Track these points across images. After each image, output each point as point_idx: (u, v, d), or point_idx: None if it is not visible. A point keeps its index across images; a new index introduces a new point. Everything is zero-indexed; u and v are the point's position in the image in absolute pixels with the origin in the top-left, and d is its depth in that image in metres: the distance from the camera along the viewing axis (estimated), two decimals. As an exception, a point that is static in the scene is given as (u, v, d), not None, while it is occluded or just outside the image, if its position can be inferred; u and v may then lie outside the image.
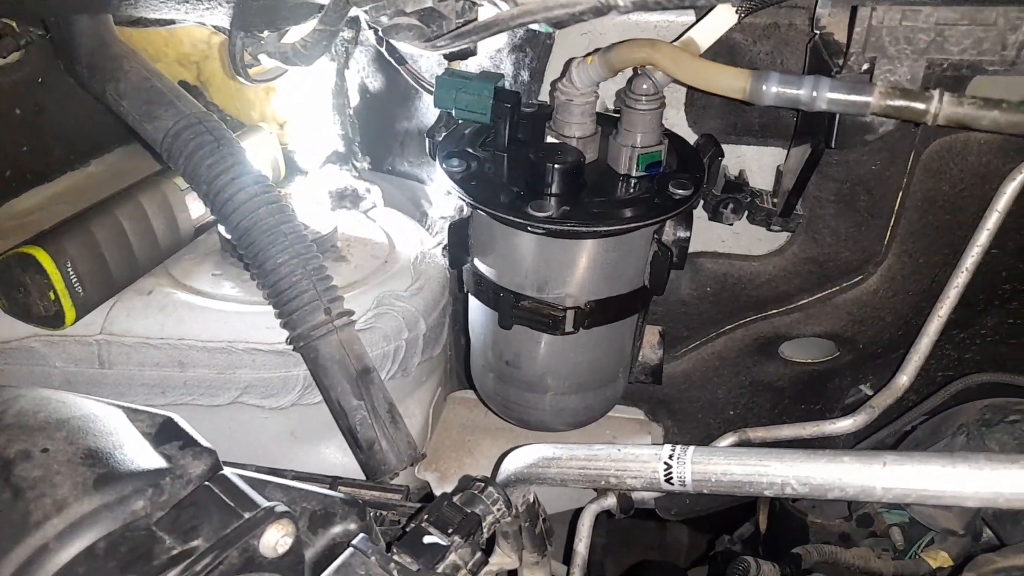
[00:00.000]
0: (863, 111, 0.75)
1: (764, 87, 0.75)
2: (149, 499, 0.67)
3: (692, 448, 0.83)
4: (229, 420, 1.19)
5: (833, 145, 0.89)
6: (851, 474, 0.73)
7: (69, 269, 1.08)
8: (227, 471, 0.72)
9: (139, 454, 0.70)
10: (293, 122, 1.53)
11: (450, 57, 1.00)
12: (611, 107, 1.14)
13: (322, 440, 1.22)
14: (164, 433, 0.74)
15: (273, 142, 1.50)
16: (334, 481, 0.94)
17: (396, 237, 1.37)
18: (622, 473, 0.86)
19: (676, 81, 0.85)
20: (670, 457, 0.83)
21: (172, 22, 1.27)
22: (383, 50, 1.08)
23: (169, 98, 1.07)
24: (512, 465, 0.92)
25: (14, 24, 1.28)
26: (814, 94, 0.75)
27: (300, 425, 1.22)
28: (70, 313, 1.09)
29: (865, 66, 0.84)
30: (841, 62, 0.86)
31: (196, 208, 1.29)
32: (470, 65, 1.12)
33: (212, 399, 1.18)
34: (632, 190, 0.98)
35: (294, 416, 1.20)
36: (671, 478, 0.82)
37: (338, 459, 1.21)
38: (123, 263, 1.17)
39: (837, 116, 0.86)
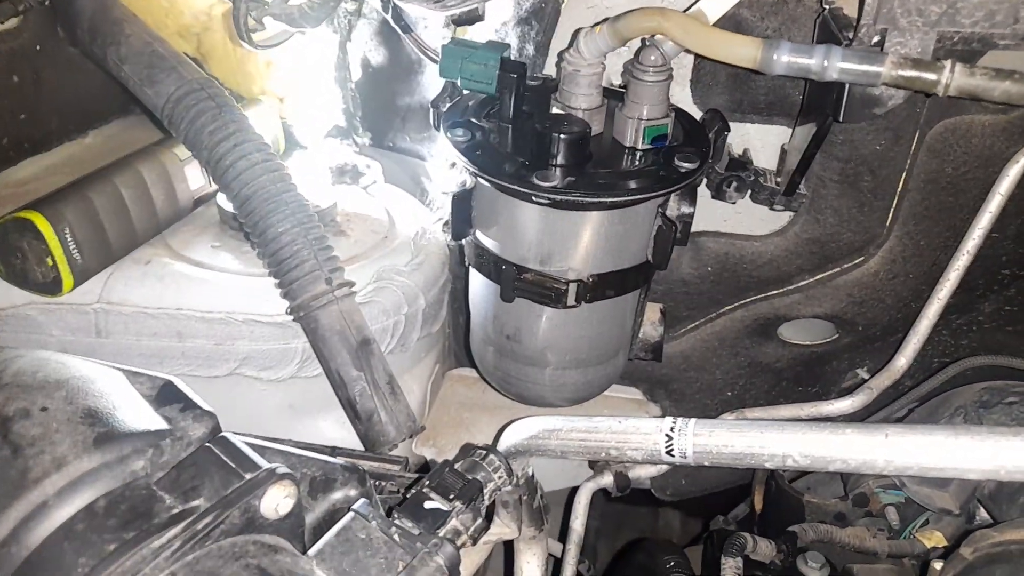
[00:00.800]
0: (874, 81, 0.75)
1: (775, 56, 0.75)
2: (149, 459, 0.66)
3: (694, 420, 0.82)
4: (227, 392, 1.18)
5: (841, 119, 0.88)
6: (853, 446, 0.73)
7: (67, 235, 1.07)
8: (227, 433, 0.71)
9: (139, 415, 0.69)
10: (293, 96, 1.52)
11: (458, 21, 0.99)
12: (617, 84, 1.13)
13: (320, 413, 1.21)
14: (164, 396, 0.74)
15: (273, 115, 1.48)
16: (333, 451, 0.94)
17: (396, 213, 1.36)
18: (623, 445, 0.86)
19: (686, 50, 0.85)
20: (671, 429, 0.83)
21: (174, -12, 1.25)
22: (388, 18, 1.06)
23: (171, 63, 1.06)
24: (513, 436, 0.91)
25: (7, -11, 1.27)
26: (825, 63, 0.75)
27: (299, 398, 1.21)
28: (68, 280, 1.08)
29: (876, 38, 0.83)
30: (851, 36, 0.85)
31: (195, 179, 1.28)
32: (476, 36, 1.11)
33: (210, 370, 1.17)
34: (638, 163, 0.97)
35: (293, 389, 1.20)
36: (672, 450, 0.82)
37: (336, 433, 1.21)
38: (121, 231, 1.16)
39: (847, 88, 0.85)
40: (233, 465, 0.66)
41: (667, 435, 0.83)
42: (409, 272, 1.24)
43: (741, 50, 0.76)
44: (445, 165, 1.32)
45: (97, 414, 0.68)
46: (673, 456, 0.82)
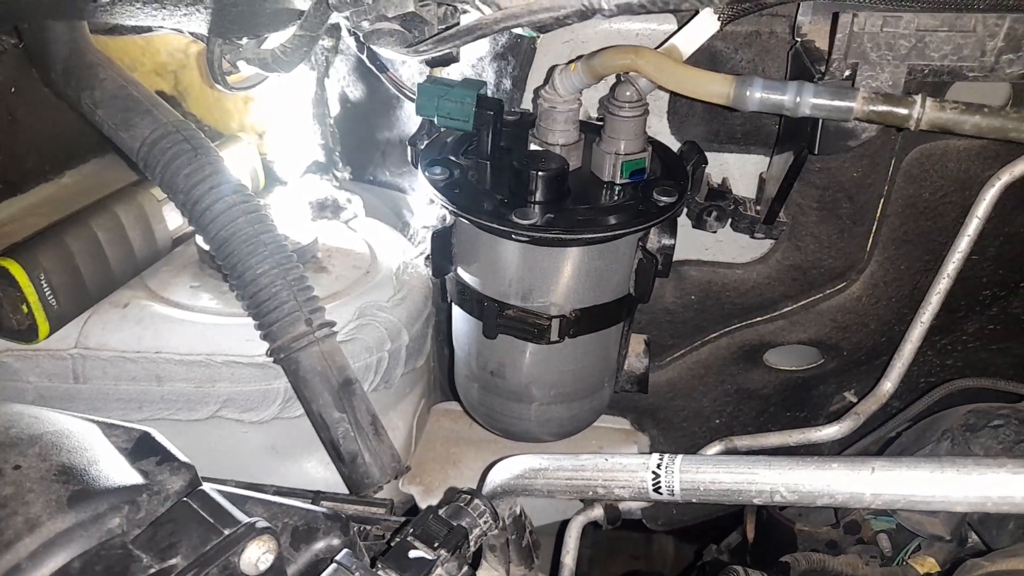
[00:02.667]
0: (846, 116, 0.75)
1: (748, 92, 0.75)
2: (125, 516, 0.65)
3: (680, 457, 0.82)
4: (208, 435, 1.17)
5: (816, 151, 0.89)
6: (839, 481, 0.73)
7: (43, 281, 1.06)
8: (206, 487, 0.70)
9: (115, 470, 0.68)
10: (272, 132, 1.52)
11: (432, 63, 1.00)
12: (594, 116, 1.14)
13: (304, 454, 1.20)
14: (141, 448, 0.72)
15: (252, 152, 1.48)
16: (316, 496, 0.92)
17: (377, 247, 1.36)
18: (610, 483, 0.85)
19: (660, 87, 0.85)
20: (658, 466, 0.82)
21: (149, 29, 1.25)
22: (364, 57, 1.07)
23: (146, 106, 1.05)
24: (498, 477, 0.90)
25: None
26: (798, 99, 0.75)
27: (281, 439, 1.20)
28: (43, 327, 1.07)
29: (847, 72, 0.84)
30: (823, 68, 0.86)
31: (173, 219, 1.27)
32: (452, 73, 1.11)
33: (190, 413, 1.16)
34: (616, 197, 0.97)
35: (275, 430, 1.18)
36: (659, 487, 0.82)
37: (320, 473, 1.19)
38: (98, 275, 1.15)
39: (820, 122, 0.86)
40: (211, 520, 0.65)
41: (654, 472, 0.82)
42: (391, 307, 1.24)
43: (714, 87, 0.76)
44: (425, 200, 1.32)
45: (71, 471, 0.66)
46: (660, 493, 0.81)
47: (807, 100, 0.75)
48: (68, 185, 1.49)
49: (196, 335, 1.15)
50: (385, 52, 0.92)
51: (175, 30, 1.18)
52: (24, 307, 1.03)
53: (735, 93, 0.75)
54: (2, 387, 1.12)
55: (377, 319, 1.21)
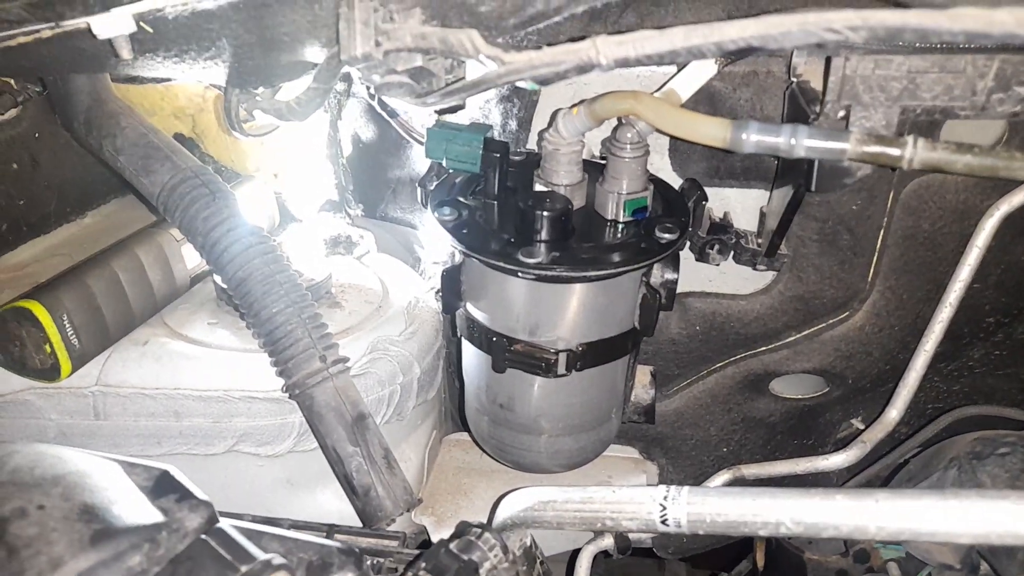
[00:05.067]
0: (840, 157, 0.78)
1: (744, 136, 0.78)
2: (146, 554, 0.67)
3: (686, 489, 0.83)
4: (225, 469, 1.19)
5: (813, 189, 0.91)
6: (844, 512, 0.74)
7: (65, 322, 1.08)
8: (223, 523, 0.72)
9: (135, 508, 0.70)
10: (287, 171, 1.55)
11: (440, 112, 1.03)
12: (597, 153, 1.17)
13: (318, 487, 1.21)
14: (161, 486, 0.75)
15: (267, 191, 1.52)
16: (330, 529, 0.94)
17: (389, 282, 1.38)
18: (618, 515, 0.86)
19: (658, 131, 0.88)
20: (664, 498, 0.83)
21: (169, 79, 1.30)
22: (375, 104, 1.10)
23: (165, 152, 1.09)
24: (508, 509, 0.92)
25: (12, 82, 1.31)
26: (792, 141, 0.78)
27: (296, 472, 1.21)
28: (66, 366, 1.09)
29: (841, 113, 0.86)
30: (818, 109, 0.89)
31: (192, 258, 1.30)
32: (460, 116, 1.14)
33: (208, 448, 1.18)
34: (620, 235, 0.99)
35: (290, 463, 1.20)
36: (666, 519, 0.83)
37: (335, 505, 1.21)
38: (119, 315, 1.17)
39: (816, 161, 0.88)
40: (229, 557, 0.67)
41: (661, 504, 0.83)
42: (403, 341, 1.26)
43: (711, 131, 0.79)
44: (435, 235, 1.35)
45: (94, 510, 0.69)
46: (668, 525, 0.83)
47: (802, 142, 0.77)
48: (90, 225, 1.53)
49: (213, 371, 1.16)
50: (395, 102, 0.95)
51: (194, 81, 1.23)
52: (47, 347, 1.06)
53: (731, 136, 0.78)
54: (24, 425, 1.15)
55: (389, 353, 1.23)
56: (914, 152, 0.77)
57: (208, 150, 1.54)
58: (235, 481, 1.20)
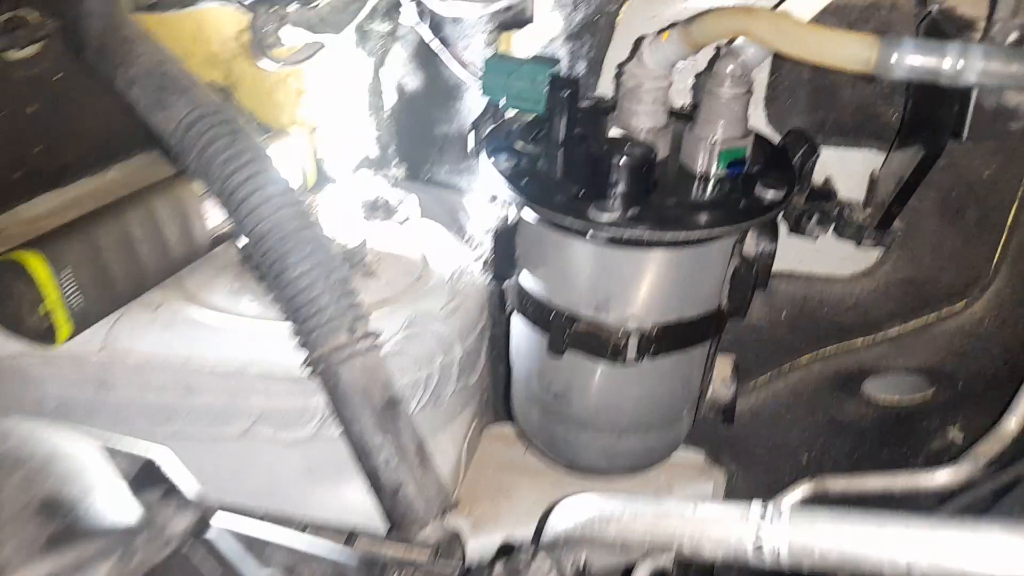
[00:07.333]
0: (1028, 84, 0.60)
1: (895, 56, 0.61)
2: (116, 563, 0.53)
3: (789, 509, 0.68)
4: (239, 454, 1.09)
5: (966, 136, 0.74)
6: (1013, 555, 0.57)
7: (68, 278, 0.98)
8: (218, 527, 0.58)
9: (110, 504, 0.57)
10: (324, 127, 1.46)
11: (504, 25, 0.88)
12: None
13: (342, 479, 1.09)
14: (145, 477, 0.62)
15: (303, 147, 1.43)
16: (350, 536, 0.80)
17: (431, 252, 1.30)
18: (698, 537, 0.72)
19: (780, 55, 0.71)
20: (761, 517, 0.68)
21: (191, 2, 1.18)
22: (426, 28, 0.95)
23: (183, 84, 0.97)
24: (562, 522, 0.78)
25: (28, 17, 1.21)
26: (960, 64, 0.60)
27: (319, 462, 1.11)
28: (64, 328, 0.99)
29: (1013, 36, 0.69)
30: (977, 38, 0.71)
31: (213, 216, 1.21)
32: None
33: (221, 429, 1.08)
34: (711, 192, 0.86)
35: (312, 451, 1.09)
36: (761, 547, 0.68)
37: (360, 500, 1.09)
38: (129, 274, 1.09)
39: (972, 100, 0.71)
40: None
41: (756, 527, 0.68)
42: (444, 318, 1.16)
43: (851, 51, 0.62)
44: (485, 199, 1.22)
45: (57, 504, 0.55)
46: (763, 556, 0.67)
47: (974, 65, 0.60)
48: (114, 180, 1.44)
49: (231, 343, 1.07)
50: (451, 9, 0.80)
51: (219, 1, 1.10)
52: (41, 308, 0.96)
53: (879, 57, 0.61)
54: (19, 394, 1.05)
55: (428, 330, 1.12)
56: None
57: (242, 100, 1.46)
58: (249, 469, 1.10)
